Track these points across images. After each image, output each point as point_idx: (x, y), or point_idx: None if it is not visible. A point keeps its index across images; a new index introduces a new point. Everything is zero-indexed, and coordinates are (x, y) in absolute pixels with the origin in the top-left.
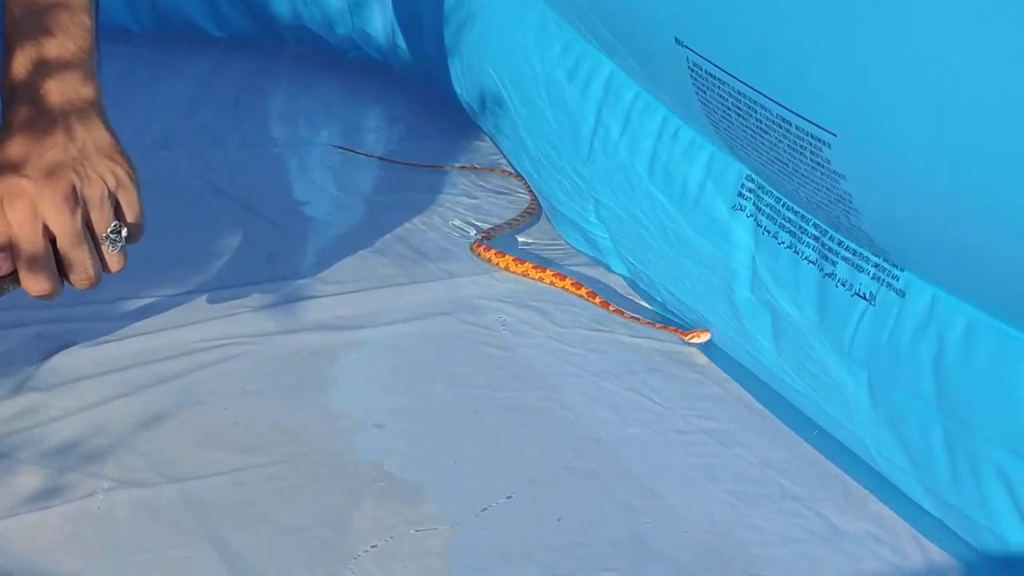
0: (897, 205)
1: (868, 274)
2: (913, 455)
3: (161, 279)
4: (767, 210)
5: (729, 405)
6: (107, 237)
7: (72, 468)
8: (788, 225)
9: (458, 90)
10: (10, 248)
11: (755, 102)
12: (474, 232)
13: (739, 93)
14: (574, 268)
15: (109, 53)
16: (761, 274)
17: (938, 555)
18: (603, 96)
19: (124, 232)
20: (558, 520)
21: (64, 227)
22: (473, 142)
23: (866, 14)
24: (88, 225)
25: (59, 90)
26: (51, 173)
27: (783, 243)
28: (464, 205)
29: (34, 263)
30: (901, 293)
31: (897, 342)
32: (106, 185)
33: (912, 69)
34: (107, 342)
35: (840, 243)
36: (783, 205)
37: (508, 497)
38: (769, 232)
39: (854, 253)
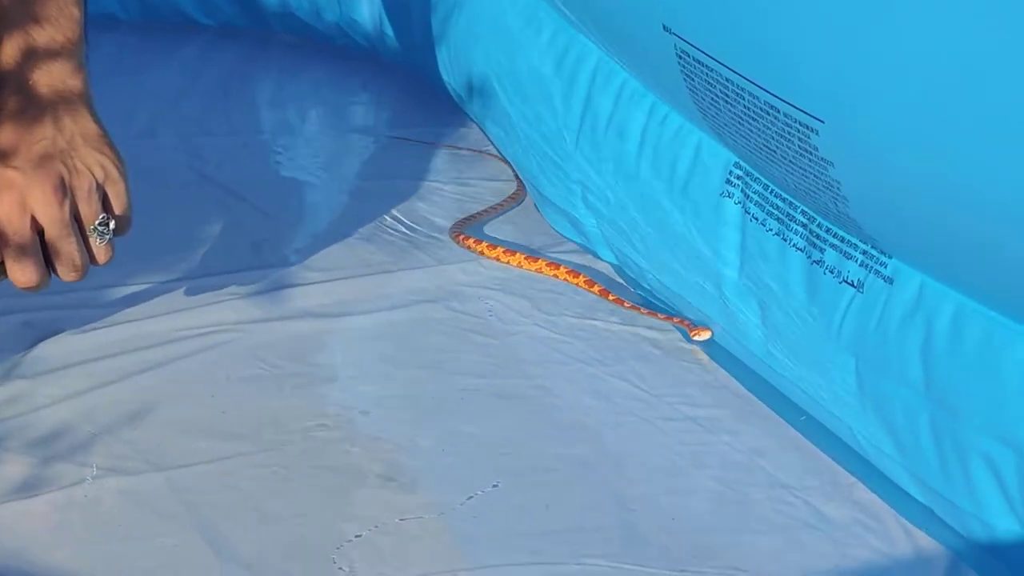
0: (885, 192)
1: (856, 261)
2: (900, 442)
3: (148, 267)
4: (755, 197)
5: (717, 392)
6: (95, 229)
7: (59, 456)
8: (776, 212)
9: (445, 77)
10: None
11: (743, 89)
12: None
13: (727, 80)
14: (561, 255)
15: (97, 41)
16: (749, 261)
17: (925, 542)
18: (591, 83)
19: (112, 224)
20: (546, 508)
21: (52, 218)
22: (460, 129)
23: (853, 1)
24: (76, 217)
25: (47, 81)
26: (40, 164)
27: (771, 230)
28: (453, 192)
29: (21, 254)
30: (889, 280)
31: (885, 329)
32: (94, 177)
33: (900, 56)
34: (94, 330)
35: (828, 230)
36: (771, 192)
37: (494, 486)
38: (757, 219)
39: (842, 240)
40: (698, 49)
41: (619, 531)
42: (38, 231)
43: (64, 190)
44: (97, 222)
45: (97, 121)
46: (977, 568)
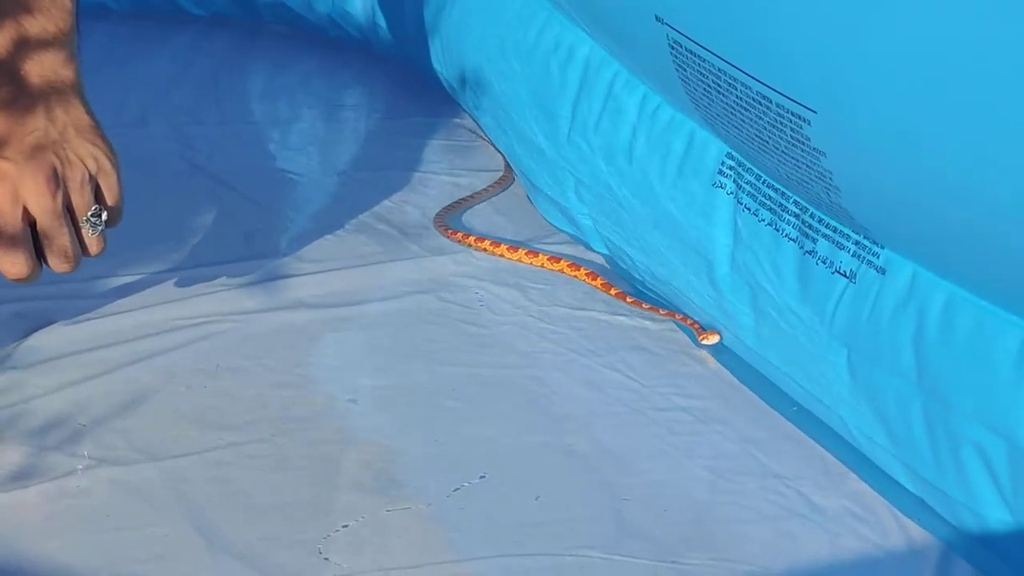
0: (877, 182)
1: (848, 251)
2: (893, 432)
3: (140, 257)
4: (747, 188)
5: (709, 383)
6: (87, 220)
7: (51, 447)
8: (768, 203)
9: (438, 68)
10: None
11: (735, 79)
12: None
13: (719, 70)
14: (553, 246)
15: (88, 31)
16: (741, 252)
17: (917, 533)
18: (583, 74)
19: (104, 215)
20: (536, 499)
21: (44, 209)
22: (453, 120)
23: None
24: (68, 208)
25: (39, 71)
26: (32, 155)
27: (763, 220)
28: (445, 182)
29: (13, 245)
30: (881, 270)
31: (877, 319)
32: (87, 168)
33: (891, 47)
34: (86, 320)
35: (821, 220)
36: (763, 183)
37: (481, 477)
38: (749, 209)
39: (834, 230)
40: (690, 39)
41: (611, 522)
42: (30, 222)
43: (56, 181)
44: (90, 213)
45: (89, 112)
46: (969, 558)
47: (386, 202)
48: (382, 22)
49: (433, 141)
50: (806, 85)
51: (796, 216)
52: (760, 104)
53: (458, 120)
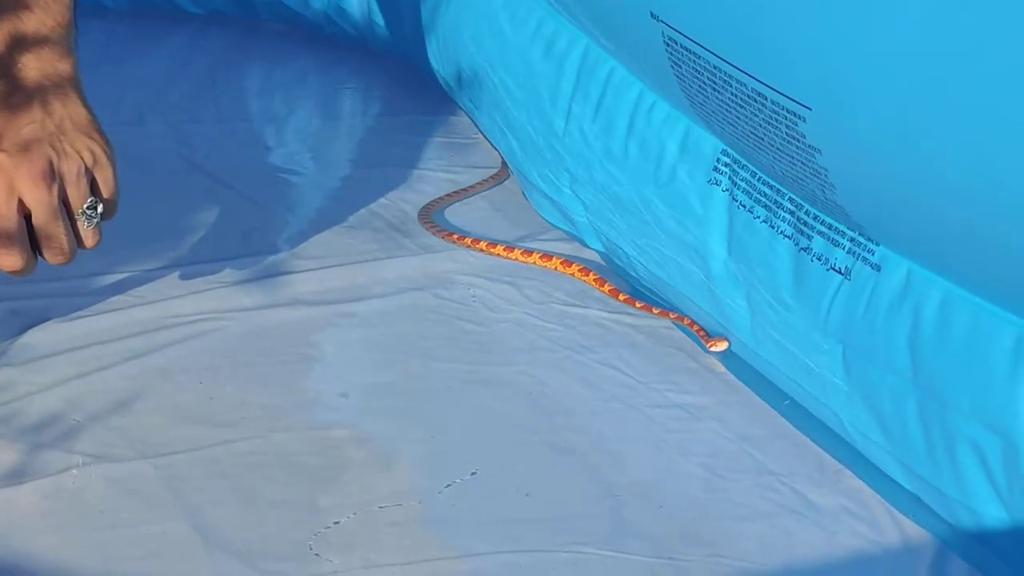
0: (872, 179)
1: (844, 248)
2: (888, 430)
3: (136, 254)
4: (743, 184)
5: (704, 380)
6: (83, 213)
7: (46, 444)
8: (764, 199)
9: (435, 66)
10: None
11: (731, 76)
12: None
13: (715, 67)
14: (549, 243)
15: (85, 29)
16: (736, 248)
17: (913, 530)
18: (579, 71)
19: (100, 208)
20: (526, 495)
21: (40, 202)
22: (450, 118)
23: None
24: (64, 201)
25: (36, 65)
26: (28, 148)
27: (759, 217)
28: (442, 179)
29: (8, 238)
30: (876, 267)
31: (872, 316)
32: (83, 161)
33: (887, 44)
34: (82, 317)
35: (816, 217)
36: (759, 179)
37: (473, 473)
38: (745, 206)
39: (830, 227)
40: (686, 36)
41: (606, 518)
42: (25, 215)
43: (52, 174)
44: (85, 206)
45: (86, 106)
46: (964, 555)
47: (383, 199)
48: (379, 20)
49: (430, 138)
50: (801, 82)
51: (791, 213)
52: (755, 101)
53: (455, 117)
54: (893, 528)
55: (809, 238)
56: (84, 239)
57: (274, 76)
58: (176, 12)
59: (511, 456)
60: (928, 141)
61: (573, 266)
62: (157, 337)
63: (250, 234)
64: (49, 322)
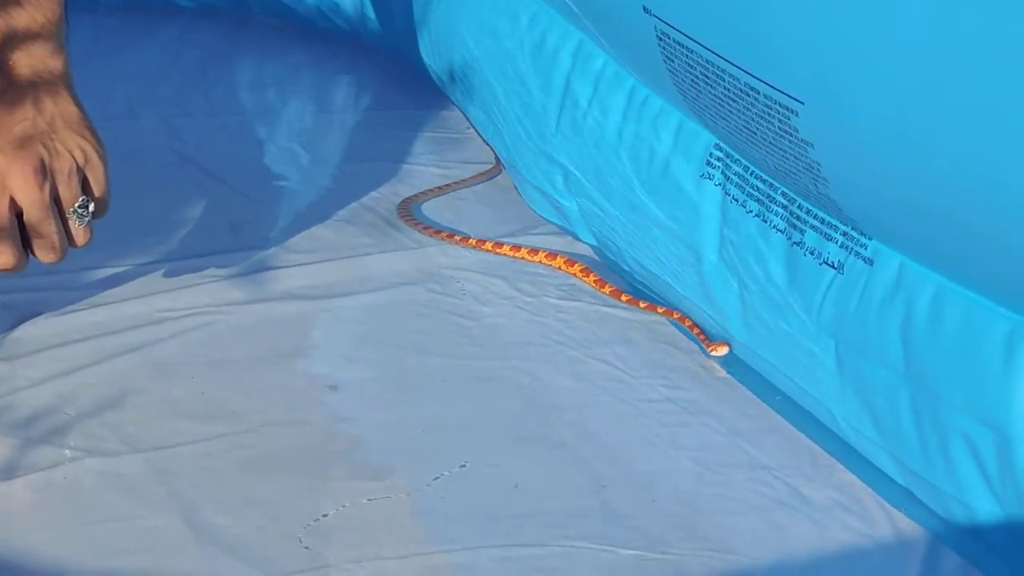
0: (865, 174)
1: (836, 243)
2: (881, 424)
3: (127, 248)
4: (735, 179)
5: (697, 374)
6: (74, 211)
7: (38, 438)
8: (756, 194)
9: (427, 60)
10: None
11: (723, 70)
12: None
13: (707, 62)
14: (541, 237)
15: (75, 22)
16: (729, 243)
17: (906, 524)
18: (572, 65)
19: (91, 207)
20: (515, 487)
21: (32, 200)
22: (441, 112)
23: None
24: (55, 199)
25: (28, 62)
26: (20, 146)
27: (751, 212)
28: (434, 174)
29: None
30: (869, 262)
31: (865, 311)
32: (74, 159)
33: (879, 37)
34: (73, 312)
35: (808, 212)
36: (751, 174)
37: (462, 466)
38: (737, 201)
39: (822, 222)
40: (678, 30)
41: (598, 512)
42: (17, 213)
43: (44, 172)
44: (76, 204)
45: (78, 103)
46: (957, 549)
47: (375, 193)
48: (371, 14)
49: (422, 133)
50: (794, 76)
51: (784, 207)
52: (748, 95)
53: (447, 112)
54: (886, 522)
55: (802, 232)
56: (75, 237)
57: (266, 70)
58: (167, 5)
59: (502, 449)
60: (921, 135)
61: (575, 265)
62: (149, 332)
63: (241, 228)
64: (41, 316)
